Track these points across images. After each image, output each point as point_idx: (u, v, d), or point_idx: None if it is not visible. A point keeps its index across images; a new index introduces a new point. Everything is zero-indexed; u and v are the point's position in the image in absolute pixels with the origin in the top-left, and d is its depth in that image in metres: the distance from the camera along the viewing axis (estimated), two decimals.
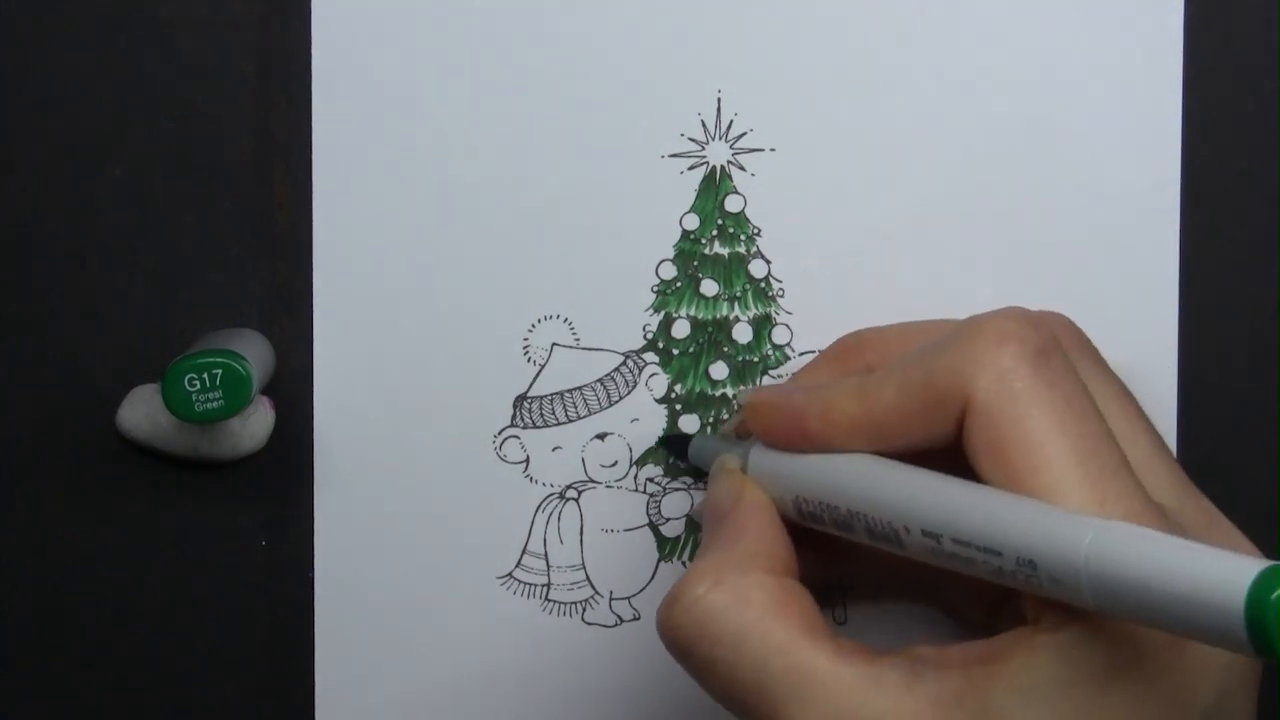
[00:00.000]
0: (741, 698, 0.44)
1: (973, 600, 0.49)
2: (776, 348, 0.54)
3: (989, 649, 0.42)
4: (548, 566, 0.54)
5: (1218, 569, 0.37)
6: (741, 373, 0.54)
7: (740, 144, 0.53)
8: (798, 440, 0.46)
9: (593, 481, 0.54)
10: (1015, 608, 0.44)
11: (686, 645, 0.44)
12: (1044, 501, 0.41)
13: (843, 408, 0.45)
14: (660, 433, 0.54)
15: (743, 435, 0.50)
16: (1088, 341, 0.48)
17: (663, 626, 0.45)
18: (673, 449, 0.53)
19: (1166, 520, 0.42)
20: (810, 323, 0.54)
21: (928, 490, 0.43)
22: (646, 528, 0.54)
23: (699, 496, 0.54)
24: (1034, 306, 0.53)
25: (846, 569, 0.51)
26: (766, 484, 0.47)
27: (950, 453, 0.44)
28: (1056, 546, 0.40)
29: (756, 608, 0.44)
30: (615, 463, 0.54)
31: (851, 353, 0.50)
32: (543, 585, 0.54)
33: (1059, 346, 0.44)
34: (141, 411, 0.52)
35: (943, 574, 0.44)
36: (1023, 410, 0.42)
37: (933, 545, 0.43)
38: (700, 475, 0.53)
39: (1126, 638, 0.41)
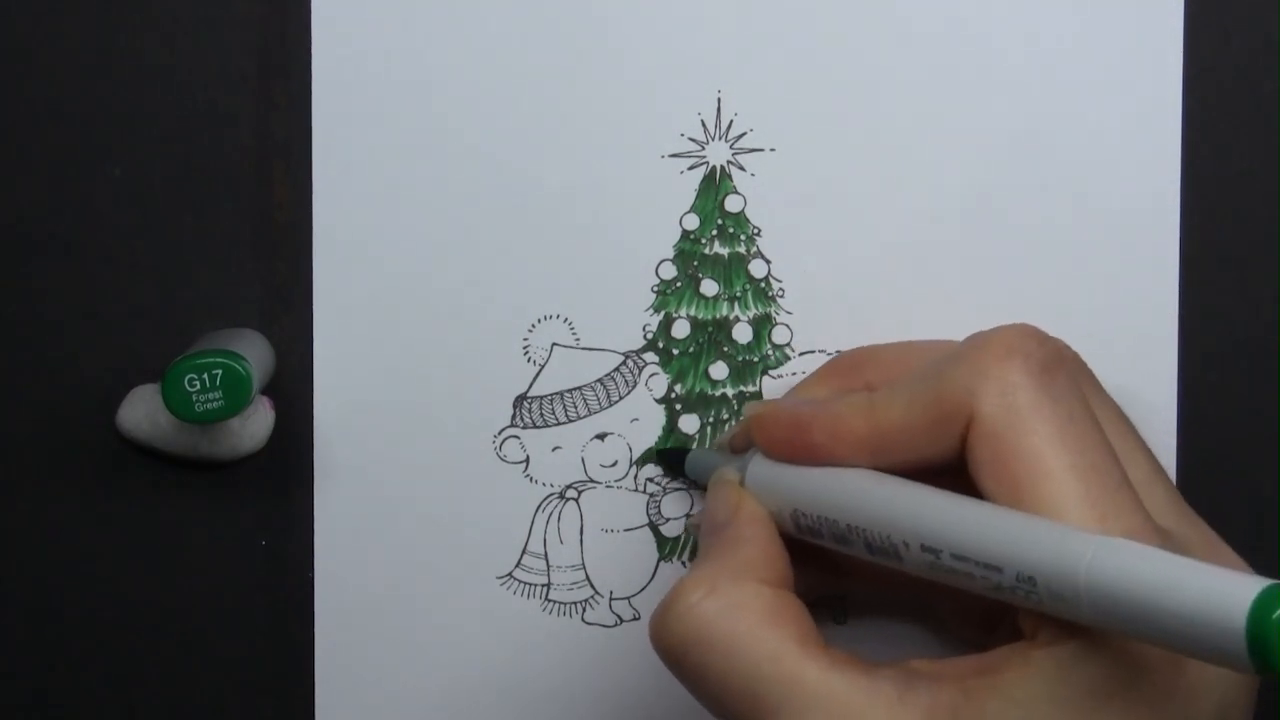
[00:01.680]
0: (733, 706, 0.44)
1: (967, 617, 0.49)
2: (776, 348, 0.54)
3: (984, 662, 0.42)
4: (548, 566, 0.54)
5: (1219, 587, 0.37)
6: (741, 373, 0.54)
7: (740, 144, 0.53)
8: (802, 453, 0.46)
9: (593, 481, 0.54)
10: (1010, 625, 0.44)
11: (679, 652, 0.44)
12: (1044, 517, 0.41)
13: (849, 422, 0.45)
14: (660, 432, 0.54)
15: (739, 449, 0.50)
16: (1082, 362, 0.48)
17: (656, 633, 0.45)
18: (667, 462, 0.53)
19: (1167, 540, 0.42)
20: (810, 323, 0.54)
21: (927, 505, 0.43)
22: (646, 528, 0.54)
23: (699, 497, 0.54)
24: (1032, 306, 0.53)
25: (842, 584, 0.51)
26: (764, 497, 0.47)
27: (952, 471, 0.44)
28: (1057, 562, 0.40)
29: (751, 616, 0.44)
30: (615, 463, 0.54)
31: (850, 370, 0.50)
32: (543, 585, 0.54)
33: (1064, 362, 0.44)
34: (141, 411, 0.52)
35: (937, 590, 0.44)
36: (1026, 424, 0.42)
37: (931, 560, 0.43)
38: (698, 486, 0.53)
39: (1124, 655, 0.41)
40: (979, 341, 0.44)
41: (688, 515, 0.54)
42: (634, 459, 0.54)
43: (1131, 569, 0.38)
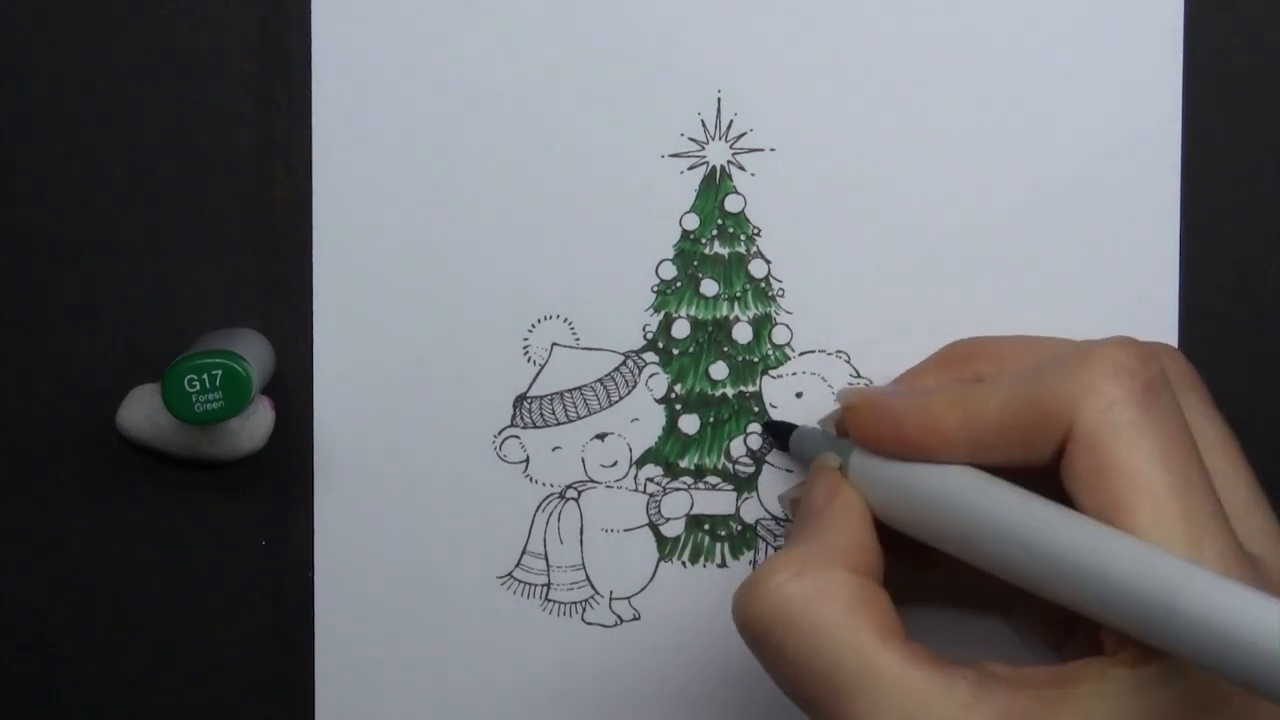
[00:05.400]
0: (809, 689, 0.44)
1: (1044, 620, 0.49)
2: (776, 348, 0.54)
3: (1062, 673, 0.42)
4: (548, 566, 0.54)
5: None
6: (741, 373, 0.54)
7: (740, 144, 0.53)
8: (895, 446, 0.46)
9: (593, 481, 0.54)
10: (1087, 633, 0.44)
11: (761, 630, 0.44)
12: (1139, 536, 0.41)
13: (943, 417, 0.45)
14: (660, 433, 0.54)
15: (844, 431, 0.50)
16: (1197, 379, 0.48)
17: (739, 610, 0.45)
18: (774, 435, 0.53)
19: (1256, 570, 0.42)
20: (810, 323, 0.54)
21: (1023, 514, 0.43)
22: (646, 528, 0.54)
23: (699, 497, 0.54)
24: (1032, 306, 0.53)
25: (929, 575, 0.50)
26: (864, 485, 0.47)
27: (1045, 473, 0.44)
28: (1148, 587, 0.40)
29: (836, 602, 0.44)
30: (615, 463, 0.54)
31: (962, 359, 0.50)
32: (543, 585, 0.54)
33: (1167, 383, 0.44)
34: (141, 411, 0.52)
35: (1019, 593, 0.44)
36: (1127, 443, 0.42)
37: (1021, 567, 0.43)
38: (802, 463, 0.53)
39: (1202, 685, 0.41)
40: (1082, 353, 0.44)
41: (779, 497, 0.53)
42: (634, 459, 0.54)
43: (1220, 604, 0.38)
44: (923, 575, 0.49)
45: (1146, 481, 0.42)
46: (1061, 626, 0.48)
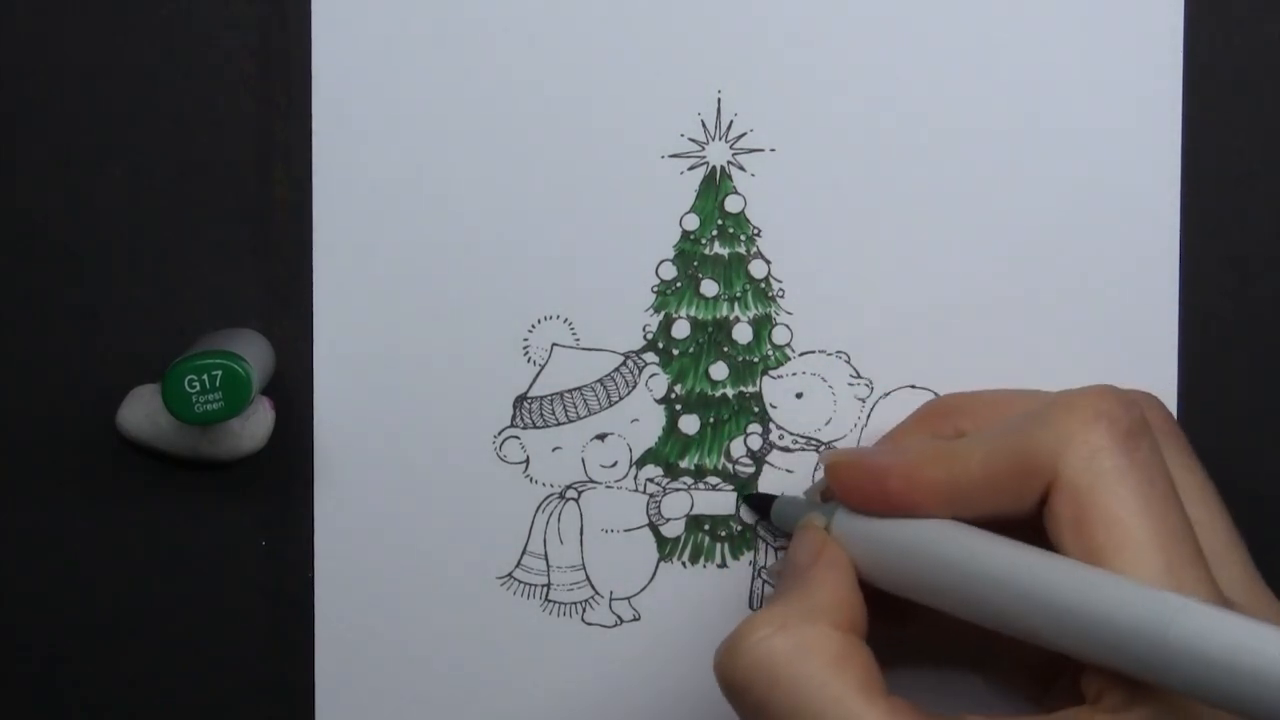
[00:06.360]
0: None
1: (1026, 673, 0.49)
2: (776, 348, 0.54)
3: None
4: (548, 566, 0.54)
5: None
6: (741, 373, 0.54)
7: (740, 144, 0.53)
8: (880, 503, 0.47)
9: (593, 481, 0.54)
10: (1067, 682, 0.44)
11: (743, 686, 0.45)
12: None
13: (927, 471, 0.45)
14: (660, 433, 0.54)
15: (828, 498, 0.50)
16: (1176, 427, 0.48)
17: (721, 665, 0.45)
18: (755, 508, 0.53)
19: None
20: (810, 323, 0.54)
21: (1008, 558, 0.43)
22: (646, 528, 0.54)
23: (699, 497, 0.54)
24: (1032, 306, 0.53)
25: (910, 632, 0.50)
26: (849, 544, 0.48)
27: (1030, 527, 0.44)
28: (1143, 622, 0.40)
29: (818, 658, 0.44)
30: (615, 463, 0.54)
31: (942, 416, 0.50)
32: (543, 585, 0.54)
33: (1148, 429, 0.44)
34: (141, 411, 0.52)
35: (999, 641, 0.44)
36: (1110, 490, 0.43)
37: (1009, 612, 0.43)
38: (783, 532, 0.53)
39: None
40: (1065, 402, 0.44)
41: (763, 570, 0.54)
42: (634, 459, 0.54)
43: (1217, 632, 0.39)
44: (901, 632, 0.50)
45: (1129, 529, 0.42)
46: (1042, 679, 0.48)
